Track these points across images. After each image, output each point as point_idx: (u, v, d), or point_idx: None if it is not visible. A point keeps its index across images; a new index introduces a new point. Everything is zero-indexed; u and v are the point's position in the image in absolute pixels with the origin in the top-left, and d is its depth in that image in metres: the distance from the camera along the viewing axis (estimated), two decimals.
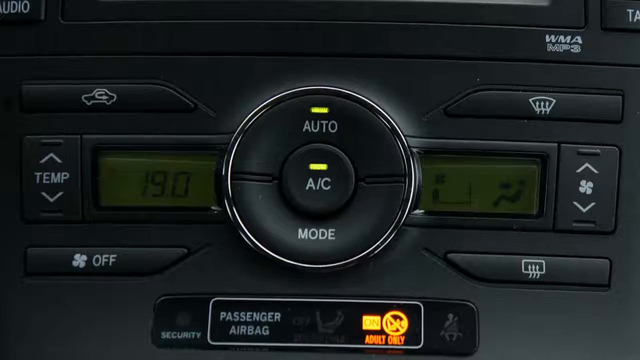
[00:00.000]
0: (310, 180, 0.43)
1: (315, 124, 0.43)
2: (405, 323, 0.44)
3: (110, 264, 0.44)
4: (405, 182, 0.43)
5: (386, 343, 0.43)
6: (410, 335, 0.43)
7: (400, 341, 0.43)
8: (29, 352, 0.44)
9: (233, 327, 0.44)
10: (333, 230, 0.43)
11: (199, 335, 0.43)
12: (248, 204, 0.43)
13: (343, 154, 0.43)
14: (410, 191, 0.43)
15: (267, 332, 0.43)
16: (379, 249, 0.43)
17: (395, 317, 0.44)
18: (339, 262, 0.43)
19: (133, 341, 0.43)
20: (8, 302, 0.44)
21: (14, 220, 0.44)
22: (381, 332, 0.43)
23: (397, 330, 0.43)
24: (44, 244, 0.44)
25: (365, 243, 0.43)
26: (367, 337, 0.43)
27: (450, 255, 0.44)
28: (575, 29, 0.44)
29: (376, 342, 0.43)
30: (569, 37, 0.44)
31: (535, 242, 0.44)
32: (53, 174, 0.44)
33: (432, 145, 0.44)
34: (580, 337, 0.43)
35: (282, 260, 0.43)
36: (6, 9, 0.45)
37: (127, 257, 0.44)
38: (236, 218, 0.43)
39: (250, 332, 0.43)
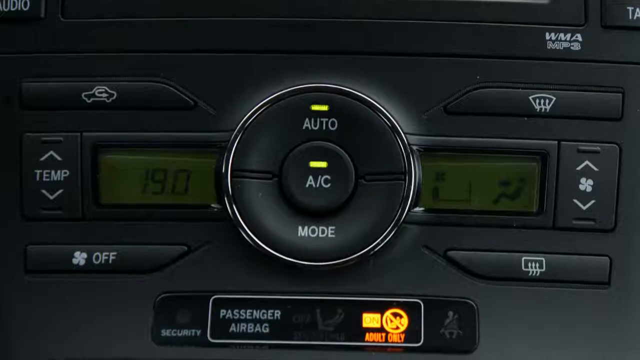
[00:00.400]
0: (310, 177, 0.43)
1: (315, 121, 0.43)
2: (405, 321, 0.43)
3: (110, 262, 0.44)
4: (405, 180, 0.43)
5: (386, 341, 0.43)
6: (410, 333, 0.43)
7: (400, 339, 0.43)
8: (29, 349, 0.44)
9: (233, 324, 0.44)
10: (333, 227, 0.43)
11: (199, 332, 0.43)
12: (248, 202, 0.43)
13: (343, 151, 0.43)
14: (410, 189, 0.43)
15: (267, 330, 0.43)
16: (379, 247, 0.43)
17: (395, 314, 0.44)
18: (339, 259, 0.43)
19: (133, 339, 0.43)
20: (8, 299, 0.44)
21: (14, 218, 0.44)
22: (381, 329, 0.43)
23: (397, 327, 0.43)
24: (44, 241, 0.44)
25: (365, 241, 0.43)
26: (367, 334, 0.43)
27: (450, 253, 0.44)
28: (575, 26, 0.44)
29: (376, 340, 0.43)
30: (569, 35, 0.44)
31: (535, 240, 0.44)
32: (53, 172, 0.44)
33: (432, 142, 0.44)
34: (580, 335, 0.43)
35: (282, 258, 0.43)
36: (6, 7, 0.45)
37: (127, 254, 0.44)
38: (236, 216, 0.43)
39: (250, 329, 0.43)
